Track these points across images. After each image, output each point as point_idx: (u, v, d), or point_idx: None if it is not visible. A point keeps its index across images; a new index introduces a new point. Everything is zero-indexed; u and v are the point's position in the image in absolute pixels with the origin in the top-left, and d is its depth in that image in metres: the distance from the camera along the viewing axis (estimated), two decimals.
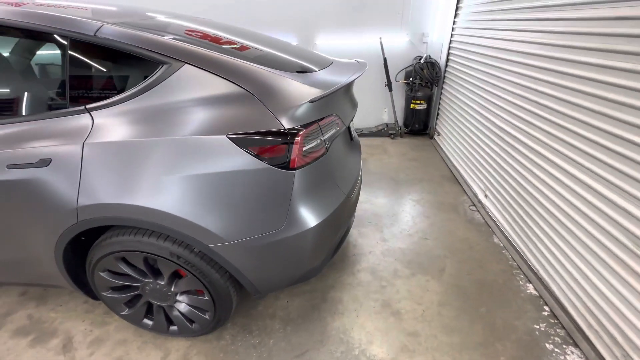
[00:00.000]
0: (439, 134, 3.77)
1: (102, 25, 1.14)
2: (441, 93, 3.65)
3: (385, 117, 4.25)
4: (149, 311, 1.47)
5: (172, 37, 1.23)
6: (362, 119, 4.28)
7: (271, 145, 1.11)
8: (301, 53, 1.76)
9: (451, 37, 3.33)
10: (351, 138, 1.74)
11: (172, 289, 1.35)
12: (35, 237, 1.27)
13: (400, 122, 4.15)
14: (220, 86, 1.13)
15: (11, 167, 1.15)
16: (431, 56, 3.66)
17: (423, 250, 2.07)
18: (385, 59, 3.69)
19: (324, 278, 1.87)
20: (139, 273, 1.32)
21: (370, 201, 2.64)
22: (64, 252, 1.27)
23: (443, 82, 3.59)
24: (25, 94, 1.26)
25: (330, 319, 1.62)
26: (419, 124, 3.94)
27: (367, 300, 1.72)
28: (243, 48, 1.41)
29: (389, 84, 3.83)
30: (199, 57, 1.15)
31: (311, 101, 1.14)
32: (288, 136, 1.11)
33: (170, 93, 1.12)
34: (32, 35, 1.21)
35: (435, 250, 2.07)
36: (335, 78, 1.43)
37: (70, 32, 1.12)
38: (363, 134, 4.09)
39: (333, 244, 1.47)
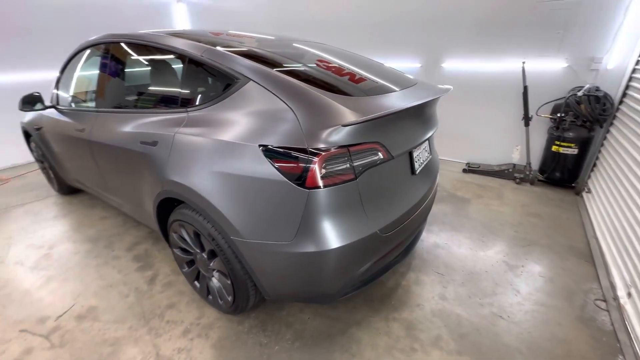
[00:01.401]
0: (589, 191, 2.78)
1: (208, 47, 1.48)
2: (605, 137, 2.69)
3: (516, 157, 3.48)
4: (198, 277, 1.79)
5: (303, 67, 1.56)
6: (482, 154, 3.68)
7: (290, 161, 1.15)
8: (386, 74, 1.78)
9: (636, 64, 2.41)
10: (413, 171, 1.55)
11: (211, 265, 1.60)
12: (147, 193, 1.77)
13: (536, 165, 3.31)
14: (271, 102, 1.27)
15: (142, 142, 1.66)
16: (600, 88, 2.75)
17: (490, 330, 1.61)
18: (525, 88, 3.03)
19: (354, 310, 1.74)
20: (192, 242, 1.63)
21: (448, 248, 2.25)
22: (157, 209, 1.73)
23: (611, 124, 2.64)
24: (158, 95, 1.79)
25: (339, 355, 1.50)
26: (562, 172, 3.03)
27: (387, 356, 1.50)
28: (360, 80, 1.58)
29: (525, 118, 3.12)
30: (262, 76, 1.32)
31: (344, 125, 1.12)
32: (307, 155, 1.13)
33: (234, 103, 1.35)
34: (168, 54, 1.69)
35: (507, 338, 1.57)
36: (396, 103, 1.35)
37: (188, 52, 1.52)
38: (479, 170, 3.49)
39: (354, 277, 1.37)
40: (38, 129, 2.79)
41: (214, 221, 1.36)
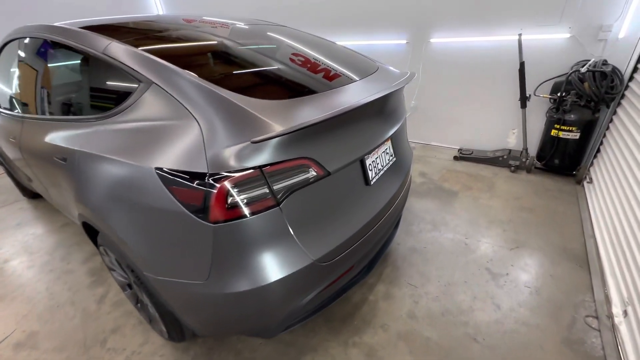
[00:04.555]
0: (590, 181, 2.50)
1: (110, 43, 1.21)
2: (611, 120, 2.36)
3: (512, 142, 3.16)
4: (138, 300, 1.62)
5: (277, 65, 1.36)
6: (476, 139, 3.36)
7: (188, 189, 0.92)
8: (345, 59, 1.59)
9: None
10: (367, 182, 1.31)
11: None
12: (73, 213, 1.57)
13: (533, 151, 3.00)
14: (175, 112, 1.02)
15: (55, 157, 1.43)
16: (607, 61, 2.39)
17: (460, 356, 1.42)
18: (522, 64, 2.67)
19: (311, 334, 1.57)
20: (121, 269, 1.45)
21: (426, 253, 2.03)
22: (86, 231, 1.53)
23: (619, 104, 2.30)
24: (65, 103, 1.54)
25: None
26: (561, 158, 2.72)
27: None
28: (335, 76, 1.37)
29: (522, 98, 2.78)
30: (164, 77, 1.07)
31: (253, 142, 0.88)
32: (207, 181, 0.90)
33: (135, 114, 1.10)
34: (73, 52, 1.38)
35: None
36: (350, 99, 1.11)
37: (85, 48, 1.25)
38: (472, 157, 3.20)
39: (295, 310, 1.17)
40: None
41: (124, 253, 1.16)
